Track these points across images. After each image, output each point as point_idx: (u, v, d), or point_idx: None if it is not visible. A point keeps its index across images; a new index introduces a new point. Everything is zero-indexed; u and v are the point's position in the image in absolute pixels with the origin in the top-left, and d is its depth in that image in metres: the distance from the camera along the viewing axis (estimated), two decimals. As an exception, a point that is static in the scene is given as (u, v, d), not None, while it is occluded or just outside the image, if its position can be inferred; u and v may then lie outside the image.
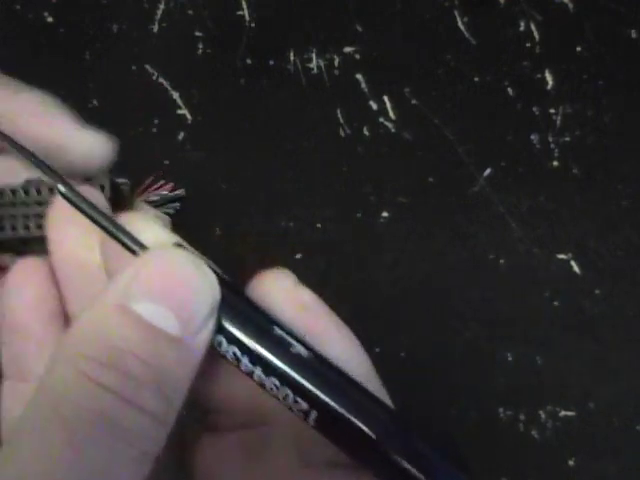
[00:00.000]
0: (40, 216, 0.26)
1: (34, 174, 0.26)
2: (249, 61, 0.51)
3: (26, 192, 0.26)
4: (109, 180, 0.27)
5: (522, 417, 0.44)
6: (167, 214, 0.46)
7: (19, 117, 0.26)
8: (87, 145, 0.26)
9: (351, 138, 0.49)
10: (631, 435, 0.44)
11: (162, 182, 0.48)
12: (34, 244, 0.26)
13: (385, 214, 0.48)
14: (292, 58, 0.51)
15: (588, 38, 0.51)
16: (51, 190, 0.26)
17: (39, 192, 0.26)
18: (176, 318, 0.20)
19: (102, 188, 0.26)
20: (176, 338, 0.20)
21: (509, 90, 0.50)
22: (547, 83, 0.50)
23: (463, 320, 0.46)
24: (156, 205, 0.46)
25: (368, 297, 0.47)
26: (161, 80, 0.51)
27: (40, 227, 0.26)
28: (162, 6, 0.52)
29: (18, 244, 0.27)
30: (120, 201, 0.27)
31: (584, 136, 0.49)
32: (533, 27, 0.51)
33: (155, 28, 0.52)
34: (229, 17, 0.52)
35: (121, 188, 0.27)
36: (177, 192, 0.47)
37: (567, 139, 0.49)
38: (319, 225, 0.48)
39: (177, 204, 0.47)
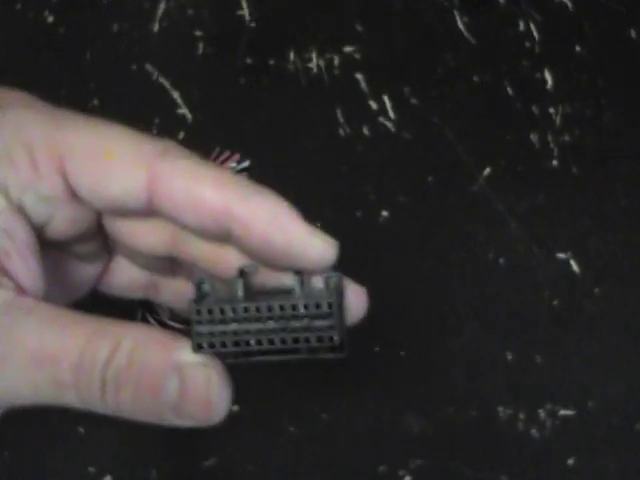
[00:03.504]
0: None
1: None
2: (249, 61, 0.51)
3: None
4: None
5: (521, 416, 0.44)
6: None
7: (254, 222, 0.25)
8: (320, 251, 0.26)
9: (351, 138, 0.49)
10: (631, 435, 0.44)
11: (228, 154, 0.48)
12: None
13: (385, 214, 0.48)
14: (292, 58, 0.51)
15: (588, 38, 0.51)
16: None
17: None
18: None
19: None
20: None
21: (508, 90, 0.50)
22: (546, 83, 0.50)
23: (463, 320, 0.46)
24: None
25: (368, 297, 0.46)
26: (161, 80, 0.51)
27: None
28: (162, 6, 0.52)
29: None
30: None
31: (583, 136, 0.49)
32: (533, 27, 0.51)
33: (155, 28, 0.52)
34: (229, 17, 0.52)
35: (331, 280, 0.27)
36: (244, 163, 0.47)
37: (566, 139, 0.49)
38: (319, 225, 0.48)
39: (245, 174, 0.47)
